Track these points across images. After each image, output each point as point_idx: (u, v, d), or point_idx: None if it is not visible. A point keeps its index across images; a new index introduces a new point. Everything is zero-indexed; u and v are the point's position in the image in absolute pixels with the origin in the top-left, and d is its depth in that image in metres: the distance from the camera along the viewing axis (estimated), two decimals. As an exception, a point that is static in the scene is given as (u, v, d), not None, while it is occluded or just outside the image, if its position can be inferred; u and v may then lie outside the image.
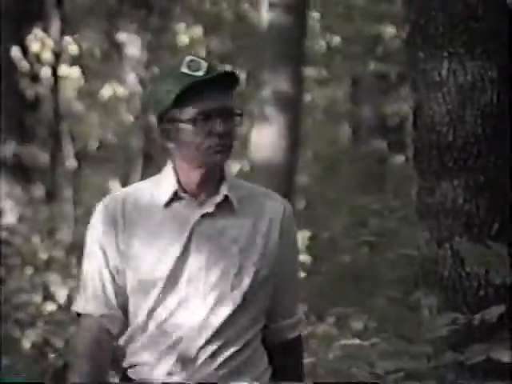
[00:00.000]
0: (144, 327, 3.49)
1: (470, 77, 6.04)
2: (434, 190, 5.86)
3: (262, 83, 12.75)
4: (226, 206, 3.49)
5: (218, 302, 3.45)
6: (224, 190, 3.49)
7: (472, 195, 5.80)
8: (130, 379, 3.52)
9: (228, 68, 4.08)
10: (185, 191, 3.50)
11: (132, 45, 14.25)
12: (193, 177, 3.49)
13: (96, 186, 13.34)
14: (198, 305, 3.44)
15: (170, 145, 3.51)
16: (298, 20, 12.98)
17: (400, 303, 11.08)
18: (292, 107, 13.21)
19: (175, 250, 3.46)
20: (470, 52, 6.02)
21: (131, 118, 13.64)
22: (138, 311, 3.50)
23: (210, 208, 3.47)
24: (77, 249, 8.66)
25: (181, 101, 3.40)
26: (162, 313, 3.46)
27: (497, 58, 6.08)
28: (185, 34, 15.22)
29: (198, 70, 3.40)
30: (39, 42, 11.95)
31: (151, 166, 14.32)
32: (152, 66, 14.11)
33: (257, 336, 3.57)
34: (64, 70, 12.57)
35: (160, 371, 3.44)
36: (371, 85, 21.96)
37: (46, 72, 12.25)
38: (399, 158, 22.14)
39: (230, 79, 3.47)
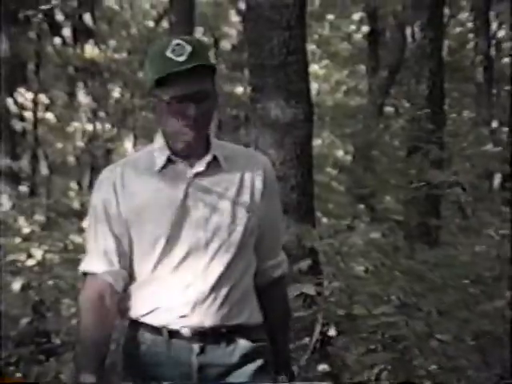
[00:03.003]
0: (154, 276, 2.57)
1: (289, 118, 5.98)
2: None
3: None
4: (214, 164, 2.60)
5: (218, 250, 2.56)
6: (212, 151, 2.60)
7: (286, 193, 5.78)
8: (144, 325, 2.60)
9: (208, 58, 3.31)
10: (176, 155, 2.59)
11: (83, 97, 13.88)
12: (178, 145, 2.58)
13: (61, 186, 13.07)
14: (201, 254, 2.55)
15: (156, 117, 2.63)
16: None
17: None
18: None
19: (173, 210, 2.55)
20: (288, 103, 6.00)
21: (83, 144, 13.35)
22: (145, 263, 2.58)
23: (201, 167, 2.58)
24: (48, 225, 8.38)
25: (161, 82, 2.50)
26: (168, 264, 2.55)
27: (304, 106, 6.10)
28: (117, 91, 14.99)
29: (181, 55, 2.47)
30: (23, 96, 11.71)
31: (96, 173, 14.14)
32: (98, 111, 13.84)
33: (251, 277, 2.69)
34: (40, 114, 12.30)
35: (174, 315, 2.55)
36: (226, 125, 21.80)
37: (28, 115, 11.98)
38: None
39: (210, 66, 2.58)
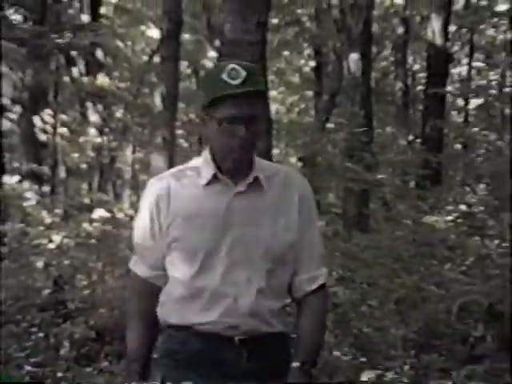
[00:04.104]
0: (198, 290, 2.15)
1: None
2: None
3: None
4: (255, 184, 2.17)
5: (258, 264, 2.13)
6: (254, 173, 2.17)
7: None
8: (193, 331, 2.15)
9: (261, 83, 2.20)
10: (222, 173, 2.17)
11: (93, 116, 13.68)
12: (226, 164, 2.16)
13: (75, 187, 12.97)
14: (242, 268, 2.13)
15: (206, 133, 2.21)
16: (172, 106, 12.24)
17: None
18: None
19: (215, 223, 2.14)
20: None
21: (93, 153, 13.17)
22: (186, 276, 2.16)
23: (242, 187, 2.16)
24: (65, 217, 8.27)
25: (215, 102, 2.10)
26: (212, 278, 2.14)
27: (265, 123, 5.94)
28: (119, 112, 14.79)
29: (235, 78, 2.08)
30: (47, 115, 11.53)
31: (104, 177, 14.00)
32: (104, 127, 13.64)
33: (285, 292, 2.23)
34: (59, 129, 12.16)
35: (222, 326, 2.12)
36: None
37: (50, 130, 11.81)
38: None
39: (261, 92, 2.17)
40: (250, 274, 2.13)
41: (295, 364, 2.19)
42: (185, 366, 2.17)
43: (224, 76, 2.09)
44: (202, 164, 2.22)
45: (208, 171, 2.18)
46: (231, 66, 2.10)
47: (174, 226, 2.16)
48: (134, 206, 11.76)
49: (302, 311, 2.25)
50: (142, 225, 2.24)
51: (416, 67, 16.96)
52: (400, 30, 15.94)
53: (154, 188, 2.23)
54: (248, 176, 2.17)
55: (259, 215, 2.17)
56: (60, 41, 7.89)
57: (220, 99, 2.09)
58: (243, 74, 2.09)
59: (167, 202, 2.18)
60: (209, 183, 2.17)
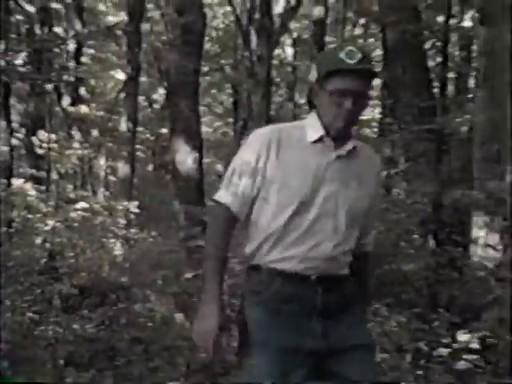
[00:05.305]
0: (287, 232, 1.77)
1: (190, 147, 5.84)
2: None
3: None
4: (351, 151, 1.83)
5: (342, 218, 1.80)
6: (353, 142, 1.83)
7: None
8: (278, 270, 1.80)
9: (372, 66, 1.75)
10: (327, 135, 1.80)
11: (77, 135, 13.28)
12: (331, 130, 1.80)
13: (64, 186, 12.54)
14: (330, 218, 1.79)
15: (316, 102, 1.82)
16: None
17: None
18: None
19: (315, 177, 1.78)
20: (189, 138, 5.84)
21: (77, 162, 12.77)
22: (278, 219, 1.77)
23: (343, 152, 1.81)
24: (57, 208, 8.08)
25: (329, 76, 1.73)
26: (302, 221, 1.77)
27: (198, 141, 5.90)
28: (95, 132, 14.41)
29: (352, 58, 1.70)
30: (42, 135, 11.12)
31: (85, 179, 13.65)
32: (83, 143, 13.23)
33: (353, 246, 1.91)
34: (51, 145, 11.78)
35: (301, 266, 1.78)
36: (159, 152, 20.43)
37: (45, 146, 11.41)
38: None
39: (372, 72, 1.76)
40: (336, 225, 1.81)
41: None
42: (266, 306, 1.80)
43: (342, 55, 1.73)
44: (307, 125, 1.84)
45: (316, 131, 1.82)
46: (349, 47, 1.74)
47: (279, 170, 1.78)
48: (106, 199, 11.55)
49: (362, 267, 1.97)
50: (245, 160, 1.80)
51: (301, 101, 17.29)
52: (291, 75, 16.26)
53: (266, 133, 1.81)
54: (347, 143, 1.83)
55: (349, 178, 1.83)
56: (51, 77, 7.73)
57: (334, 73, 1.74)
58: (359, 55, 1.73)
59: (277, 149, 1.79)
60: (315, 142, 1.81)
